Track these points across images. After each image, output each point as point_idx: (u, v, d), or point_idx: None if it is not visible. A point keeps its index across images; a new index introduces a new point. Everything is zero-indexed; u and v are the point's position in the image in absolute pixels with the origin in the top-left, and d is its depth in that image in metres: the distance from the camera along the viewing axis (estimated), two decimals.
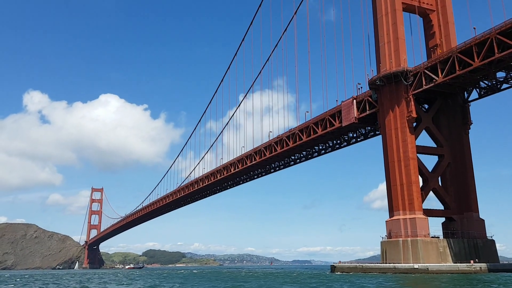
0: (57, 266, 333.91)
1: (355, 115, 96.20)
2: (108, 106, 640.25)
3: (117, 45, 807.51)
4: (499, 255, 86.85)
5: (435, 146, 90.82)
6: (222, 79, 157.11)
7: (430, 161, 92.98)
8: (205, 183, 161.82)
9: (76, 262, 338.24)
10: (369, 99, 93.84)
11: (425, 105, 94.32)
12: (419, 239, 77.54)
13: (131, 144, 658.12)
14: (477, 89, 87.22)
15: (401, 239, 79.65)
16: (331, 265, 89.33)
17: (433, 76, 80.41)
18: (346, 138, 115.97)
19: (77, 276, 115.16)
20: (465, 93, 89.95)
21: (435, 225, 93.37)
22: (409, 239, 78.50)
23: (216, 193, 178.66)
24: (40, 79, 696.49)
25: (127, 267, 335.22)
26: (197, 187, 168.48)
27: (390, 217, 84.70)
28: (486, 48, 70.66)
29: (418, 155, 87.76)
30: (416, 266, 71.83)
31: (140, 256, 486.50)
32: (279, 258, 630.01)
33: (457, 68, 75.96)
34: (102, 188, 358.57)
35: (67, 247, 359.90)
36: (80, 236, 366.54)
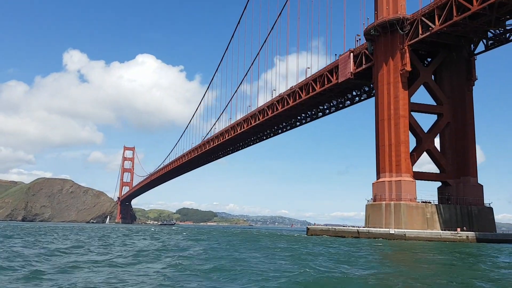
0: (91, 220, 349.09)
1: (351, 70, 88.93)
2: (144, 66, 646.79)
3: (155, 5, 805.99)
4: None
5: (435, 104, 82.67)
6: (231, 38, 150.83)
7: (431, 121, 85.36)
8: (212, 145, 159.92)
9: (108, 217, 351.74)
10: (366, 52, 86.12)
11: (429, 59, 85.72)
12: (402, 203, 71.59)
13: (167, 105, 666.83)
14: (484, 41, 77.56)
15: (384, 202, 74.00)
16: (306, 227, 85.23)
17: (430, 23, 71.78)
18: (350, 96, 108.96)
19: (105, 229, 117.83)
20: (472, 45, 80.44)
21: (431, 190, 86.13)
22: (392, 202, 72.71)
23: (229, 153, 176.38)
24: (79, 38, 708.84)
25: (159, 223, 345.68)
26: (204, 149, 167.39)
27: (376, 180, 78.77)
28: None
29: (413, 113, 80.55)
30: (392, 231, 66.37)
31: (174, 213, 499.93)
32: (312, 221, 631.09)
33: (454, 13, 67.10)
34: (134, 147, 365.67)
35: (101, 202, 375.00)
36: (114, 193, 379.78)
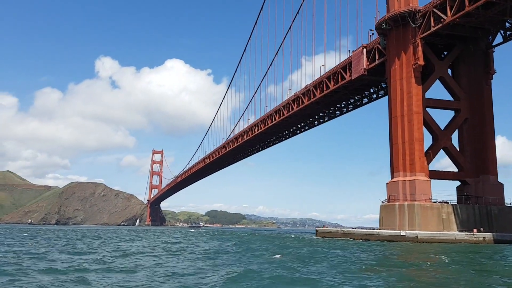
0: (122, 223, 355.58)
1: (364, 66, 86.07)
2: (173, 71, 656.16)
3: (183, 11, 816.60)
4: None
5: (452, 99, 78.89)
6: (248, 39, 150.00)
7: (449, 118, 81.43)
8: (230, 147, 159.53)
9: (137, 220, 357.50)
10: (379, 46, 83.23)
11: (445, 52, 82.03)
12: (416, 203, 68.41)
13: (195, 108, 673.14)
14: (502, 31, 73.45)
15: (397, 203, 70.98)
16: (315, 230, 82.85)
17: (442, 15, 68.49)
18: (367, 94, 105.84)
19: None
20: (490, 37, 76.36)
21: (452, 190, 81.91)
22: (405, 203, 69.61)
23: (250, 155, 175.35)
24: (111, 45, 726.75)
25: (188, 225, 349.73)
26: (223, 152, 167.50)
27: (390, 179, 75.77)
28: None
29: (429, 109, 77.15)
30: (403, 233, 63.40)
31: (203, 216, 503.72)
32: (344, 224, 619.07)
33: (466, 3, 63.69)
34: (162, 151, 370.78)
35: (131, 205, 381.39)
36: (144, 195, 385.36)
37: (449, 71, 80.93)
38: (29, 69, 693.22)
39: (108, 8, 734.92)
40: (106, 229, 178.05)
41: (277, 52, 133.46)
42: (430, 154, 74.99)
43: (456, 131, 78.84)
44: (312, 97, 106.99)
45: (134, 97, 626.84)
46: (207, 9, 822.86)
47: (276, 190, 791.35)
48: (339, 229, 77.55)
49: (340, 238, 70.91)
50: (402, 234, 63.42)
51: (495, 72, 75.94)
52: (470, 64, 77.75)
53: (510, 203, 72.84)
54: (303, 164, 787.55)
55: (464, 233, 63.86)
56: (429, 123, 75.78)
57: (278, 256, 30.49)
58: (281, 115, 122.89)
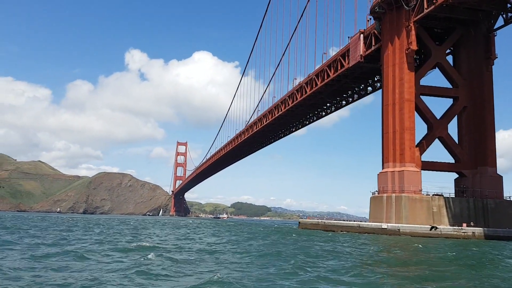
0: (147, 213, 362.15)
1: (361, 53, 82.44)
2: (201, 63, 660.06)
3: (211, 3, 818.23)
4: None
5: (451, 87, 74.47)
6: (259, 27, 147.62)
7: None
8: (242, 138, 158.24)
9: (160, 210, 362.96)
10: (375, 32, 79.50)
11: (446, 37, 77.47)
12: (404, 195, 65.01)
13: (223, 100, 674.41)
14: (503, 14, 68.44)
15: (385, 195, 67.76)
16: (298, 221, 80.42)
17: None
18: (371, 82, 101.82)
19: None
20: (492, 20, 71.40)
21: (448, 182, 77.83)
22: (393, 195, 66.32)
23: (263, 147, 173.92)
24: (140, 38, 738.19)
25: (213, 217, 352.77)
26: (234, 144, 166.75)
27: (381, 170, 72.44)
28: None
29: (424, 97, 73.25)
30: (384, 226, 60.32)
31: (229, 207, 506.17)
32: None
33: None
34: (186, 142, 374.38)
35: (156, 195, 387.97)
36: (170, 187, 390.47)
37: (450, 57, 76.64)
38: (61, 62, 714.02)
39: (137, 1, 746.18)
40: (132, 218, 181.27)
41: (289, 42, 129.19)
42: (423, 144, 71.19)
43: (455, 120, 74.52)
44: (314, 86, 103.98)
45: (162, 90, 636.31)
46: (235, 0, 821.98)
47: (304, 183, 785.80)
48: (320, 220, 75.03)
49: (321, 230, 68.43)
50: (383, 227, 60.42)
51: (496, 57, 71.02)
52: (470, 48, 73.12)
53: (510, 197, 68.14)
54: (334, 157, 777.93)
55: (451, 227, 60.09)
56: (423, 112, 71.90)
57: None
58: (287, 105, 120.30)
